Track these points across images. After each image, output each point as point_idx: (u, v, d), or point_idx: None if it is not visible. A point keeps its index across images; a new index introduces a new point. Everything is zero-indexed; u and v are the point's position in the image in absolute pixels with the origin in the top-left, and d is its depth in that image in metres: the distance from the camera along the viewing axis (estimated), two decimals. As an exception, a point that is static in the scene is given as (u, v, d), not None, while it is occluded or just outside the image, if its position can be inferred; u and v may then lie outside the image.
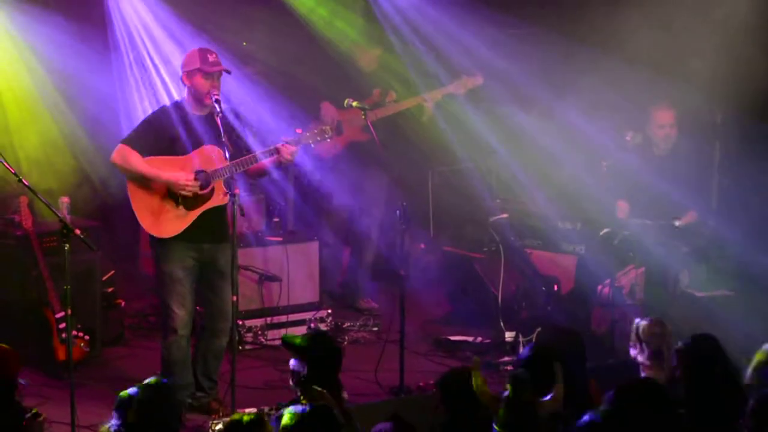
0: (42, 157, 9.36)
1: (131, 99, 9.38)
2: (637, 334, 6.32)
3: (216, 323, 7.46)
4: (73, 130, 9.59)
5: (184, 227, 7.24)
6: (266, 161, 7.29)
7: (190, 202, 7.23)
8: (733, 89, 9.05)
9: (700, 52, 9.22)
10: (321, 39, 9.69)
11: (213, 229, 7.30)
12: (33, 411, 5.62)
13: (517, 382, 5.01)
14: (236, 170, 7.15)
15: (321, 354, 5.77)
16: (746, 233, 8.96)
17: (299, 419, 4.75)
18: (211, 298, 7.44)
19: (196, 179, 7.19)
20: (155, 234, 7.25)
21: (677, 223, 8.79)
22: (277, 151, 7.24)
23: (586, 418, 4.79)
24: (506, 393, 5.01)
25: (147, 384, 5.15)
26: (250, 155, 7.24)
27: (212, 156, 7.16)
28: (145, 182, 7.21)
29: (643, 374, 6.18)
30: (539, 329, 8.22)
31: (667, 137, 9.01)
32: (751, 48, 9.07)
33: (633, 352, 6.34)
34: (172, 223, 7.24)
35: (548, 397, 5.07)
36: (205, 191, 7.23)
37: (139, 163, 7.17)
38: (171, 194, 7.22)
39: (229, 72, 7.35)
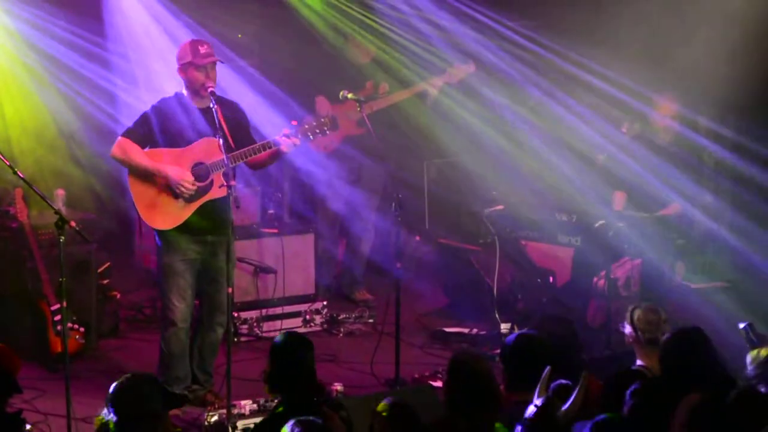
0: (38, 149, 9.35)
1: (128, 90, 9.37)
2: (631, 320, 6.31)
3: (214, 317, 7.46)
4: (69, 123, 9.58)
5: (183, 219, 7.22)
6: (265, 153, 7.26)
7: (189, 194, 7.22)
8: (729, 83, 9.04)
9: (696, 46, 9.21)
10: (315, 31, 9.67)
11: (216, 221, 7.23)
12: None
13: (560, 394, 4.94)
14: (235, 162, 7.12)
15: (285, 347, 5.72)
16: (742, 225, 8.98)
17: None
18: (209, 292, 7.43)
19: (193, 173, 7.18)
20: (153, 225, 7.24)
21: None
22: (277, 143, 7.24)
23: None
24: (541, 401, 4.91)
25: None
26: (249, 147, 7.21)
27: (212, 147, 7.13)
28: (144, 174, 7.19)
29: (638, 362, 6.17)
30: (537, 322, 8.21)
31: (669, 128, 9.00)
32: (746, 41, 9.06)
33: (627, 335, 6.34)
34: (170, 215, 7.22)
35: (567, 405, 4.99)
36: (204, 183, 7.22)
37: (138, 155, 7.15)
38: (170, 186, 7.21)
39: (222, 62, 7.32)
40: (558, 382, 5.12)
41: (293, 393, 5.56)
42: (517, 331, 8.42)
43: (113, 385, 4.94)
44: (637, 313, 6.31)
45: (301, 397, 5.52)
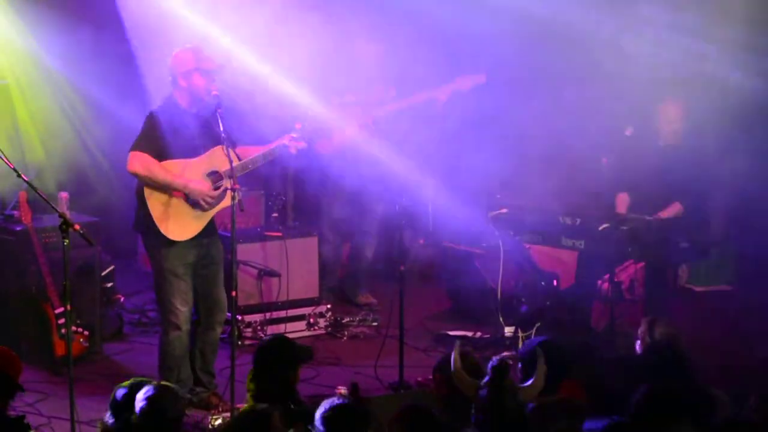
0: (43, 152, 9.37)
1: (134, 90, 9.34)
2: (651, 334, 6.28)
3: (212, 315, 7.47)
4: (76, 126, 9.60)
5: (199, 230, 7.25)
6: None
7: None
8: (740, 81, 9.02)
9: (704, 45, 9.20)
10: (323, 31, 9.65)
11: (210, 224, 7.33)
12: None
13: (497, 371, 5.08)
14: (243, 170, 7.16)
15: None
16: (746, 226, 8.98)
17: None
18: (206, 291, 7.44)
19: (213, 183, 7.20)
20: (173, 237, 7.19)
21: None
22: (286, 149, 7.25)
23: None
24: (485, 379, 5.09)
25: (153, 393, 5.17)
26: (260, 154, 7.25)
27: (220, 156, 7.11)
28: (164, 188, 7.18)
29: None
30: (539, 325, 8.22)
31: (675, 132, 8.95)
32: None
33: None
34: (186, 225, 7.22)
35: (528, 383, 5.16)
36: (218, 192, 7.22)
37: (161, 172, 7.09)
38: (188, 197, 7.20)
39: (224, 66, 7.32)
40: (502, 355, 5.31)
41: (264, 394, 5.65)
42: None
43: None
44: (659, 332, 6.30)
45: (271, 398, 5.59)
